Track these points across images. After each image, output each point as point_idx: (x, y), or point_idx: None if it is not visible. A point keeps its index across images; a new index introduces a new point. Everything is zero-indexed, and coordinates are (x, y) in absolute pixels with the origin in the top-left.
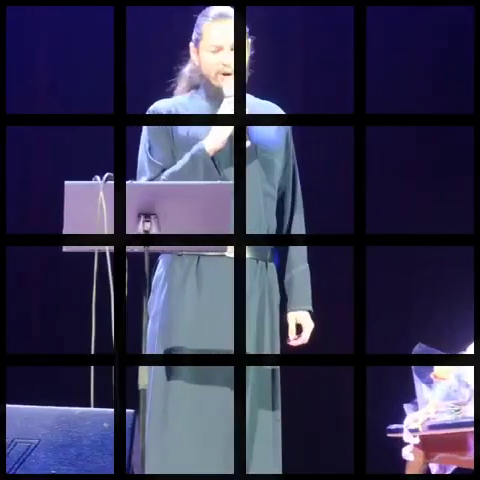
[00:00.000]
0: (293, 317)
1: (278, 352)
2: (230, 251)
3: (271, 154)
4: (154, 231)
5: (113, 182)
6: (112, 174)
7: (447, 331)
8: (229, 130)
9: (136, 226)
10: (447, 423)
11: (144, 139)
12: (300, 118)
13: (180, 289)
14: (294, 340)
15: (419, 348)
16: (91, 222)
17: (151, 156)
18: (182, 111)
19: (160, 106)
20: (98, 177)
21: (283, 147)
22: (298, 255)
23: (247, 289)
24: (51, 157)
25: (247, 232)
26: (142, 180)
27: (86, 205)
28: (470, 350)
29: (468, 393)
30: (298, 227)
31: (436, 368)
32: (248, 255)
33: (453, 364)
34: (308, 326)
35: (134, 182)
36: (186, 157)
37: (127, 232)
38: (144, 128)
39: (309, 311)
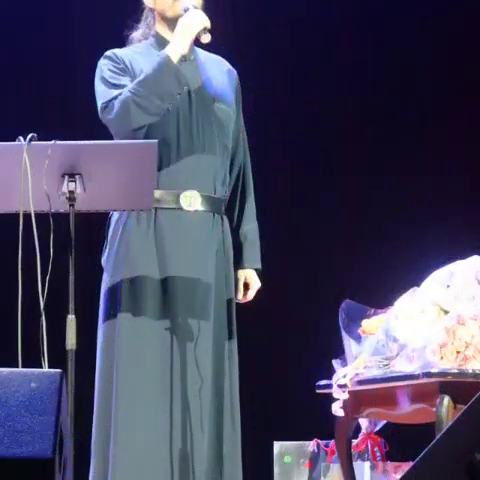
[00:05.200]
0: (242, 275)
1: (234, 309)
2: (188, 204)
3: (227, 106)
4: (79, 191)
5: (37, 143)
6: (36, 135)
7: (373, 286)
8: (191, 35)
9: (60, 186)
10: (376, 378)
11: (104, 74)
12: None
13: (140, 242)
14: (240, 298)
15: (346, 305)
16: (15, 184)
17: (112, 80)
18: (138, 55)
19: (116, 51)
20: (21, 138)
21: (234, 100)
22: (250, 211)
23: (205, 243)
24: None
25: (204, 184)
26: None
27: (10, 166)
28: (397, 304)
29: (396, 347)
30: (249, 179)
31: (364, 323)
32: (203, 208)
33: None
34: (255, 285)
35: (58, 142)
36: (150, 67)
37: (51, 193)
38: (103, 67)
39: (256, 269)
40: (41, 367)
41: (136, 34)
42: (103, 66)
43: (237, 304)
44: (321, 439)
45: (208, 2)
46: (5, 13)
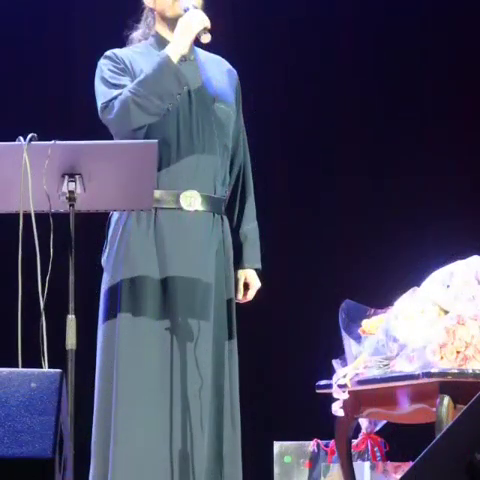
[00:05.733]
0: (242, 275)
1: (234, 309)
2: (188, 204)
3: (227, 106)
4: (79, 191)
5: (37, 143)
6: (36, 135)
7: (373, 286)
8: (191, 35)
9: (60, 186)
10: (376, 378)
11: (104, 74)
12: None
13: (140, 242)
14: (240, 298)
15: (346, 305)
16: (15, 184)
17: (112, 80)
18: (138, 55)
19: (116, 51)
20: (21, 138)
21: (234, 100)
22: (250, 211)
23: (205, 243)
24: None
25: (204, 184)
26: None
27: (10, 166)
28: (397, 304)
29: (396, 347)
30: (249, 179)
31: (364, 323)
32: (203, 208)
33: None
34: (255, 285)
35: (58, 142)
36: (150, 67)
37: (51, 193)
38: (103, 67)
39: (256, 269)
40: (41, 367)
41: (136, 34)
42: (103, 66)
43: (237, 304)
44: (321, 439)
45: (208, 2)
46: (5, 13)
